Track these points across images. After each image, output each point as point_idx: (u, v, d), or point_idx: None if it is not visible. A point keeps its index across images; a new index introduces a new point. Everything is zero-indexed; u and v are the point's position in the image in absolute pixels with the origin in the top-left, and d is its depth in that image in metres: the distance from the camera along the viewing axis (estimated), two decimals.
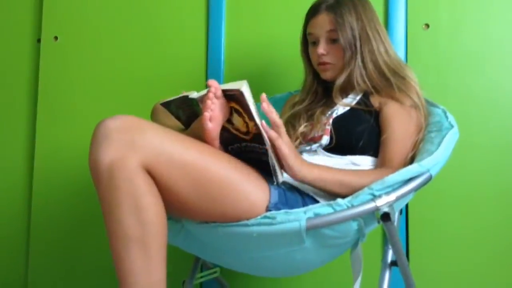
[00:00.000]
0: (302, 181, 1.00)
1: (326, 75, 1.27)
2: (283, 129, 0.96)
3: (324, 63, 1.25)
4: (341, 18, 1.20)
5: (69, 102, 1.93)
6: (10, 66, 2.04)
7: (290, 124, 1.30)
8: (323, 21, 1.23)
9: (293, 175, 0.98)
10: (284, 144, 0.95)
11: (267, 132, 0.94)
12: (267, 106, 0.94)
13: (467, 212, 1.50)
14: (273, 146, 0.95)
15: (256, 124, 0.94)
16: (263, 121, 0.95)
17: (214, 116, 0.96)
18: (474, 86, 1.52)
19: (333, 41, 1.23)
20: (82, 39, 1.94)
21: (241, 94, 0.92)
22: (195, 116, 1.10)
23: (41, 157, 1.93)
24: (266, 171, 0.99)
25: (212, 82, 0.97)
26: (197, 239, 1.05)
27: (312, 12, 1.27)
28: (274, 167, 0.97)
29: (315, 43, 1.27)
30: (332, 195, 1.01)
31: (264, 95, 0.96)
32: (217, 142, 0.99)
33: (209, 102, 0.95)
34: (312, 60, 1.30)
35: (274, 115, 0.95)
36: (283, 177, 0.99)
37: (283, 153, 0.95)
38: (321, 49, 1.24)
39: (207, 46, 1.77)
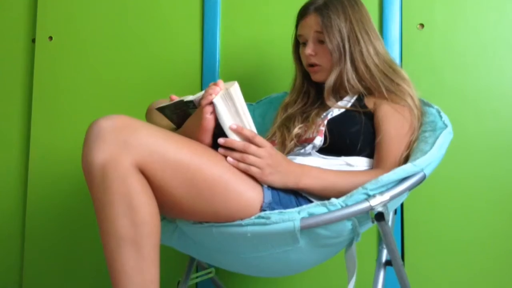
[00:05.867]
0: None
1: (316, 77, 1.28)
2: (258, 138, 0.97)
3: (313, 65, 1.26)
4: (329, 20, 1.20)
5: (64, 102, 1.93)
6: (5, 66, 2.03)
7: (285, 126, 1.30)
8: (311, 23, 1.24)
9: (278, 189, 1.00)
10: (258, 170, 0.96)
11: (236, 166, 0.96)
12: (235, 129, 0.97)
13: (462, 212, 1.50)
14: None
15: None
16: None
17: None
18: (468, 86, 1.52)
19: (321, 42, 1.23)
20: (77, 39, 1.93)
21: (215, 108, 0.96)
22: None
23: (35, 157, 1.93)
24: None
25: (218, 82, 1.01)
26: (192, 239, 1.05)
27: (302, 14, 1.28)
28: None
29: (305, 44, 1.27)
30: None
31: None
32: (210, 134, 0.99)
33: (210, 97, 0.97)
34: (302, 61, 1.31)
35: (245, 132, 0.97)
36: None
37: (259, 179, 0.97)
38: (309, 49, 1.24)
39: (202, 48, 1.77)
